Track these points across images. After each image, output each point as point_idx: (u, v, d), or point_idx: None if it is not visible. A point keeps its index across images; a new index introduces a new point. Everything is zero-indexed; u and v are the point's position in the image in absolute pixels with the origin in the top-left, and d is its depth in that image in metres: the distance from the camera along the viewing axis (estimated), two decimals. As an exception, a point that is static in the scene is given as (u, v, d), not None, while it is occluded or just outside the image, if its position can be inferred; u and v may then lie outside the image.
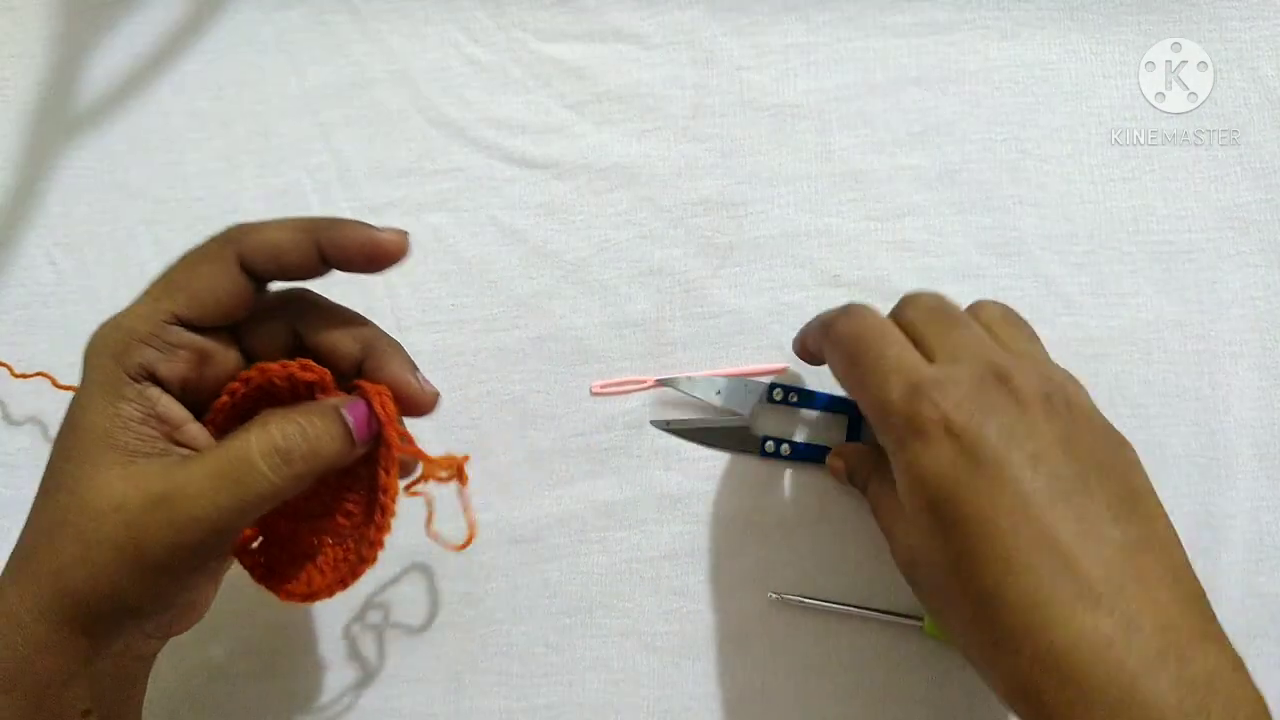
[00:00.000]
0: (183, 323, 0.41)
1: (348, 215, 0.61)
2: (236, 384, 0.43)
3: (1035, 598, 0.39)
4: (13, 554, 0.41)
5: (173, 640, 0.47)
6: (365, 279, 0.61)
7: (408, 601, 0.58)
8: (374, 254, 0.43)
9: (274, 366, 0.43)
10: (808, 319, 0.59)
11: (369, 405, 0.43)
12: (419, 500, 0.48)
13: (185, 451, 0.42)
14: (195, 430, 0.43)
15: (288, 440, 0.40)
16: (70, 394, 0.41)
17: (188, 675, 0.58)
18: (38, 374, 0.59)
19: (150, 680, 0.48)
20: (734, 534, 0.58)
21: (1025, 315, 0.58)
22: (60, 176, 0.63)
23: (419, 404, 0.45)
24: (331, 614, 0.58)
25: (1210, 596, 0.55)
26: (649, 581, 0.57)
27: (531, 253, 0.61)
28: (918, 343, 0.46)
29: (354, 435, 0.42)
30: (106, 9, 0.64)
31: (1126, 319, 0.58)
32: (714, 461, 0.59)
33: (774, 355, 0.59)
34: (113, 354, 0.41)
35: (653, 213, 0.61)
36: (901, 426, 0.43)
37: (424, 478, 0.46)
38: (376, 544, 0.44)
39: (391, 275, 0.61)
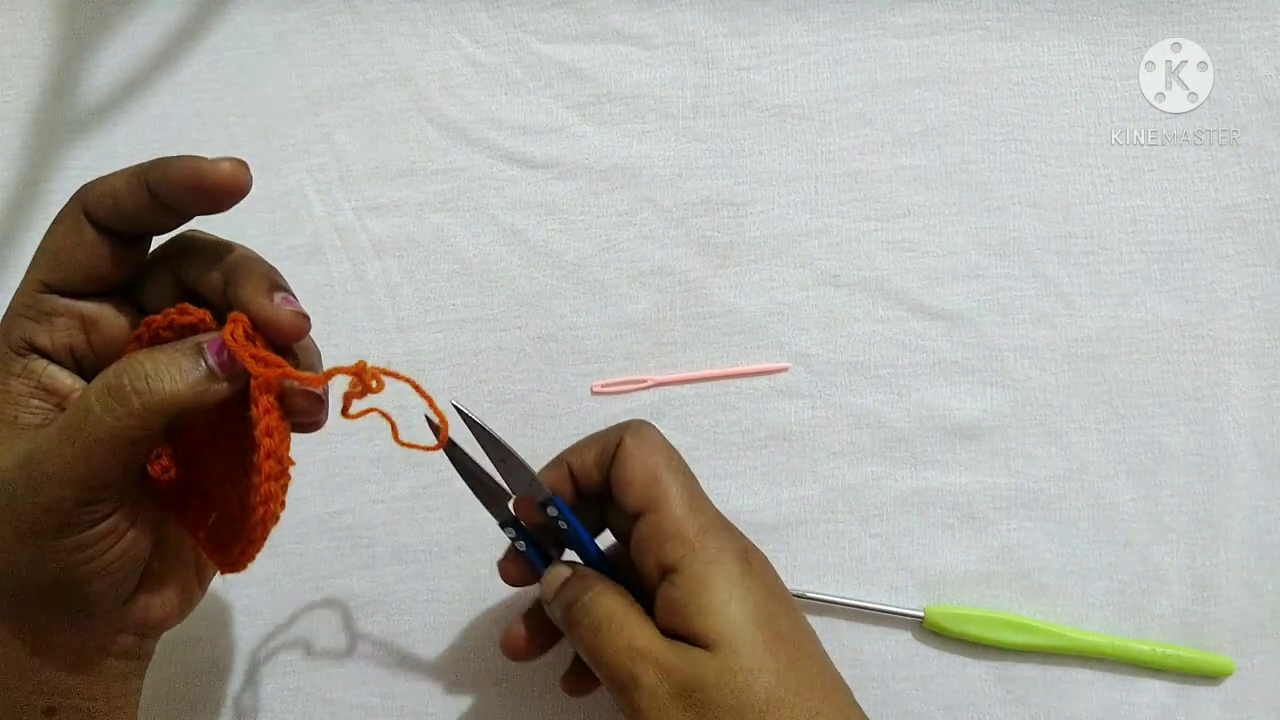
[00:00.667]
0: (55, 290, 0.40)
1: (348, 215, 0.61)
2: (130, 344, 0.41)
3: None
4: None
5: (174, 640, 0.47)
6: (365, 275, 0.61)
7: (408, 599, 0.58)
8: (202, 186, 0.39)
9: (156, 318, 0.40)
10: (807, 319, 0.59)
11: (219, 342, 0.39)
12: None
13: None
14: None
15: (122, 378, 0.37)
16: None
17: (192, 674, 0.58)
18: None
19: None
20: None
21: (1025, 315, 0.59)
22: (62, 176, 0.63)
23: (276, 327, 0.39)
24: (334, 612, 0.58)
25: (1208, 594, 0.56)
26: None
27: (532, 253, 0.61)
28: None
29: (213, 368, 0.38)
30: (108, 10, 0.64)
31: (1126, 319, 0.58)
32: (712, 461, 0.59)
33: (774, 355, 0.59)
34: (1, 334, 0.40)
35: (653, 213, 0.61)
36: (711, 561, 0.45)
37: (348, 397, 0.41)
38: (264, 494, 0.39)
39: (393, 275, 0.61)
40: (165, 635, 0.58)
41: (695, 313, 0.60)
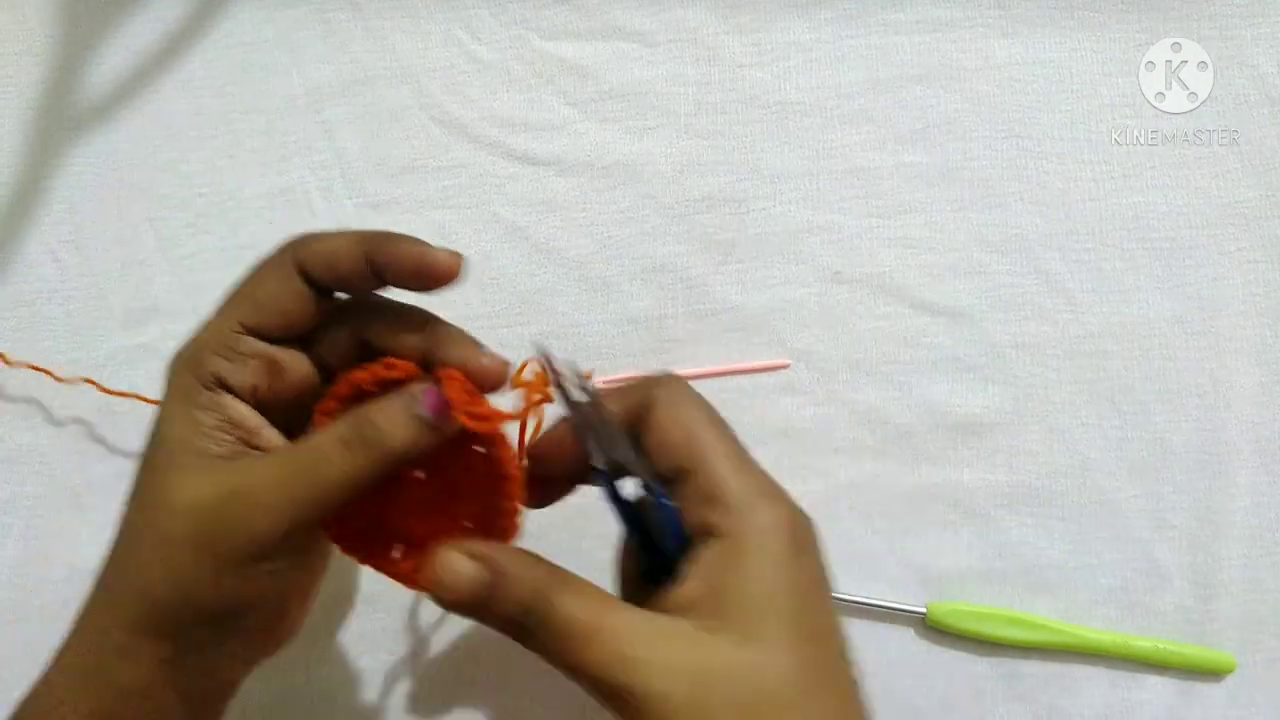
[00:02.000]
0: (251, 331, 0.42)
1: (349, 211, 0.61)
2: (330, 402, 0.43)
3: None
4: (102, 567, 0.42)
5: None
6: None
7: (410, 595, 0.58)
8: (422, 272, 0.41)
9: (361, 375, 0.42)
10: (809, 315, 0.59)
11: (436, 394, 0.41)
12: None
13: (262, 454, 0.42)
14: (271, 435, 0.43)
15: (355, 429, 0.40)
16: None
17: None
18: (132, 395, 0.60)
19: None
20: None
21: (1027, 312, 0.59)
22: (64, 173, 0.63)
23: (487, 377, 0.42)
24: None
25: (1210, 590, 0.56)
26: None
27: (534, 250, 0.61)
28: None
29: (427, 418, 0.40)
30: (110, 7, 0.64)
31: (1127, 315, 0.58)
32: (716, 458, 0.59)
33: (776, 352, 0.59)
34: (188, 365, 0.42)
35: (655, 210, 0.61)
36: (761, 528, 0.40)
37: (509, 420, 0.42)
38: (512, 526, 0.43)
39: (394, 272, 0.61)
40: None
41: (697, 310, 0.60)
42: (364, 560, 0.45)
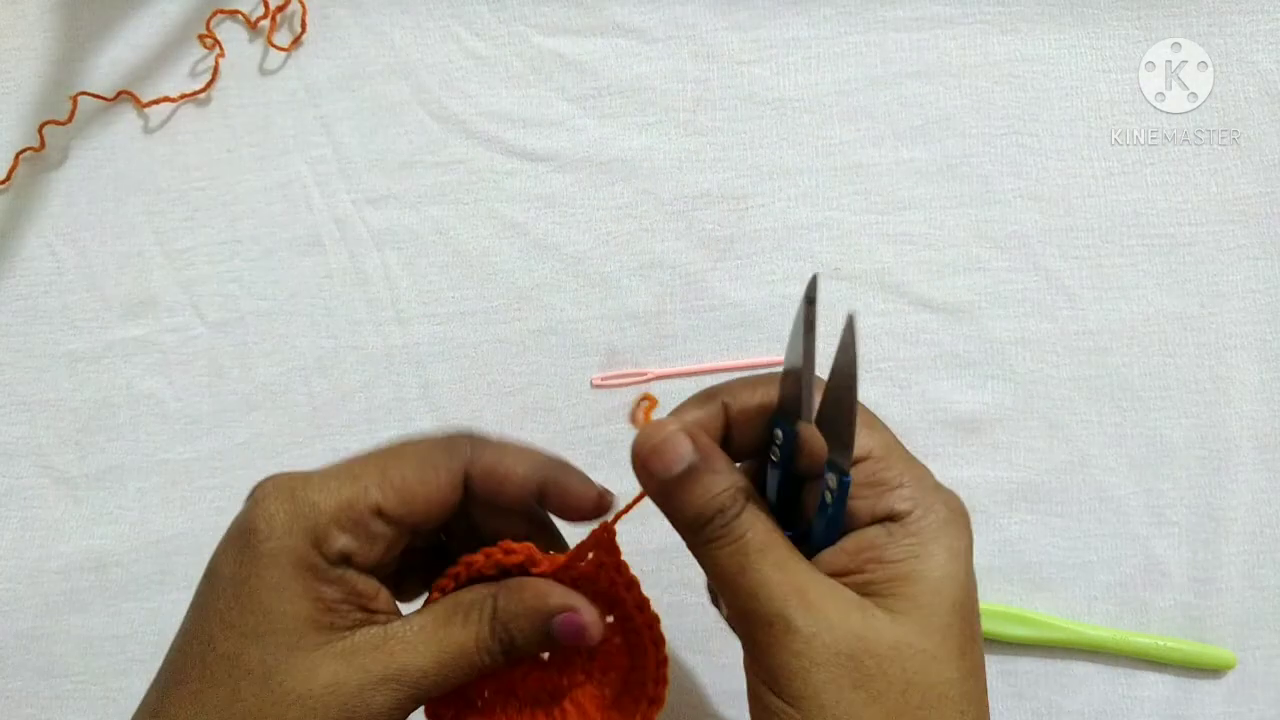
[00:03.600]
0: (388, 519, 0.39)
1: (348, 207, 0.61)
2: (447, 582, 0.42)
3: None
4: None
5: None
6: (364, 268, 0.61)
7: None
8: (584, 513, 0.42)
9: (476, 558, 0.41)
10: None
11: (577, 621, 0.41)
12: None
13: (381, 620, 0.40)
14: (385, 598, 0.40)
15: (496, 636, 0.40)
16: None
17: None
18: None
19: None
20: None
21: (1026, 308, 0.59)
22: (61, 168, 0.63)
23: (593, 509, 0.42)
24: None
25: (1210, 587, 0.56)
26: (650, 574, 0.56)
27: (532, 245, 0.61)
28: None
29: (555, 635, 0.40)
30: (109, 3, 0.64)
31: (1127, 312, 0.58)
32: (714, 455, 0.58)
33: (774, 348, 0.59)
34: (308, 534, 0.38)
35: (653, 206, 0.61)
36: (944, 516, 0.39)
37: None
38: (659, 686, 0.43)
39: (392, 267, 0.61)
40: (163, 630, 0.58)
41: (695, 306, 0.60)
42: None
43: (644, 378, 0.59)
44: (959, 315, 0.59)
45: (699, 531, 0.38)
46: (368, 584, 0.39)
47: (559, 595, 0.41)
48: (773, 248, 0.60)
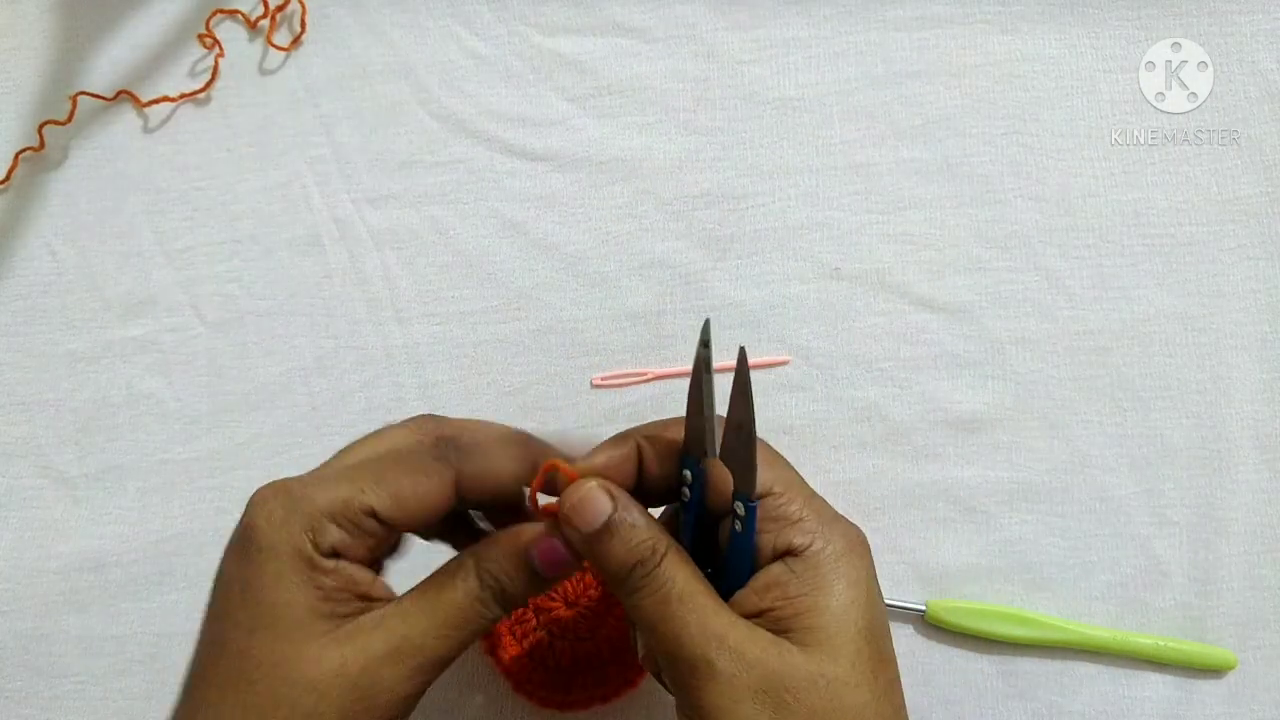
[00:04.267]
0: (379, 519, 0.40)
1: (348, 207, 0.61)
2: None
3: None
4: None
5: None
6: (364, 267, 0.61)
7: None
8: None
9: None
10: (808, 311, 0.59)
11: (553, 544, 0.41)
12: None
13: (380, 605, 0.40)
14: (381, 585, 0.41)
15: (482, 585, 0.40)
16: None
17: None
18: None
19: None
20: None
21: (1026, 308, 0.59)
22: (60, 167, 0.63)
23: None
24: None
25: (1210, 587, 0.56)
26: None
27: (532, 245, 0.61)
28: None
29: (540, 572, 0.41)
30: (108, 3, 0.64)
31: (1128, 312, 0.58)
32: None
33: (774, 348, 0.59)
34: (305, 529, 0.39)
35: (653, 206, 0.61)
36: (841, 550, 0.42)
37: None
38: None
39: (392, 267, 0.61)
40: (162, 630, 0.58)
41: (695, 305, 0.60)
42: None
43: (644, 377, 0.59)
44: (959, 315, 0.59)
45: (623, 582, 0.40)
46: (363, 574, 0.40)
47: (531, 530, 0.41)
48: (773, 248, 0.60)
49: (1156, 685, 0.55)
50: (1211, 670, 0.55)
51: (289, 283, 0.61)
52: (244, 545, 0.40)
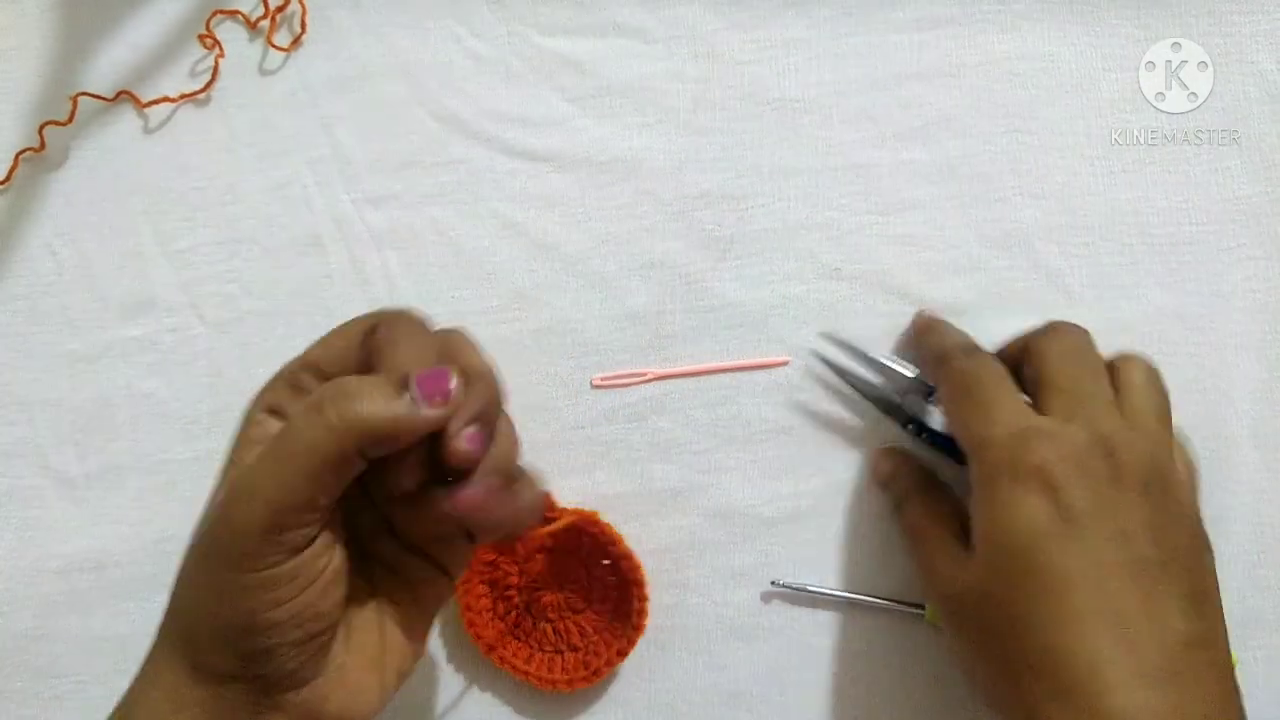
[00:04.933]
0: (315, 373, 0.43)
1: (348, 207, 0.61)
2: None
3: (1097, 662, 0.41)
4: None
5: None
6: (364, 268, 0.61)
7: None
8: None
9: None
10: (808, 312, 0.59)
11: (442, 371, 0.40)
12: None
13: None
14: None
15: (323, 394, 0.39)
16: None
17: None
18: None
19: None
20: (733, 526, 0.58)
21: (1026, 308, 0.59)
22: (60, 167, 0.63)
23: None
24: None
25: (1211, 587, 0.56)
26: (649, 574, 0.57)
27: (532, 245, 0.61)
28: (1043, 384, 0.48)
29: (417, 399, 0.39)
30: (108, 3, 0.64)
31: (1127, 311, 0.58)
32: (712, 455, 0.58)
33: (774, 348, 0.59)
34: (256, 398, 0.44)
35: (653, 206, 0.61)
36: (1000, 465, 0.45)
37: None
38: (641, 616, 0.56)
39: (392, 267, 0.61)
40: (162, 629, 0.58)
41: (695, 306, 0.60)
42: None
43: (644, 378, 0.59)
44: (959, 316, 0.59)
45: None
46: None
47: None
48: (773, 248, 0.60)
49: None
50: (1211, 670, 0.55)
51: (289, 283, 0.61)
52: None
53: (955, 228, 0.60)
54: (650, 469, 0.59)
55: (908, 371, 0.56)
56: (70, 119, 0.62)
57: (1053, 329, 0.51)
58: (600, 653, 0.55)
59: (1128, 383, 0.49)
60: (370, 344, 0.43)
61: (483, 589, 0.56)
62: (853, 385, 0.58)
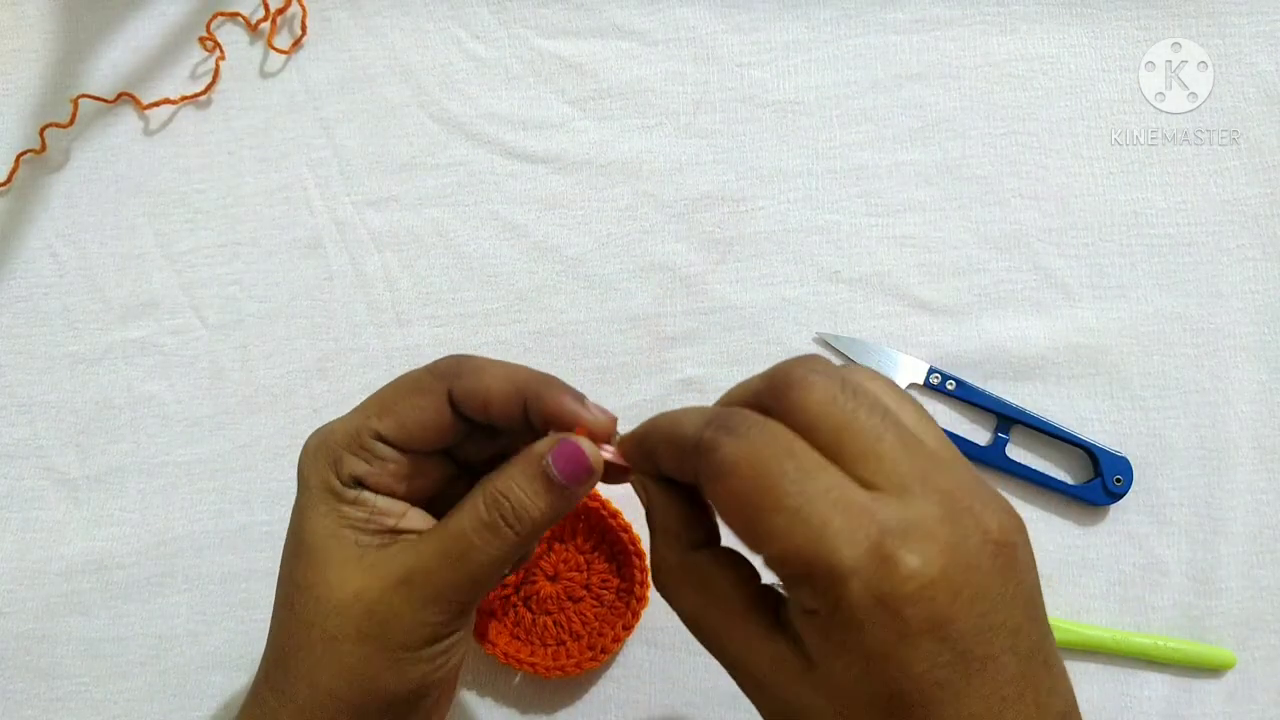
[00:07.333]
0: (388, 443, 0.42)
1: (349, 209, 0.61)
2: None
3: None
4: (265, 665, 0.43)
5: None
6: (365, 270, 0.61)
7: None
8: (574, 428, 0.41)
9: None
10: (808, 314, 0.59)
11: (571, 445, 0.40)
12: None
13: (412, 537, 0.42)
14: (416, 517, 0.43)
15: (494, 509, 0.40)
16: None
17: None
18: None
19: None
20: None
21: (1026, 309, 0.59)
22: (61, 169, 0.63)
23: (599, 431, 0.41)
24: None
25: (1210, 587, 0.56)
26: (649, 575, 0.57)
27: (532, 247, 0.61)
28: (835, 452, 0.33)
29: (559, 480, 0.40)
30: (110, 5, 0.64)
31: (1126, 312, 0.58)
32: (714, 456, 0.58)
33: (774, 350, 0.59)
34: (328, 462, 0.42)
35: (653, 208, 0.61)
36: (866, 608, 0.31)
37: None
38: (643, 588, 0.55)
39: (393, 269, 0.61)
40: (163, 632, 0.59)
41: (695, 308, 0.60)
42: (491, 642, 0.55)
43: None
44: (959, 317, 0.59)
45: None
46: (391, 505, 0.42)
47: (544, 442, 0.41)
48: (773, 250, 0.60)
49: (1155, 685, 0.55)
50: (1211, 670, 0.55)
51: (290, 285, 0.61)
52: (297, 484, 0.42)
53: (955, 229, 0.60)
54: (650, 470, 0.59)
55: (910, 374, 0.55)
56: (71, 121, 0.62)
57: (788, 377, 0.34)
58: (605, 633, 0.56)
59: (879, 397, 0.35)
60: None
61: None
62: None
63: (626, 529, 0.56)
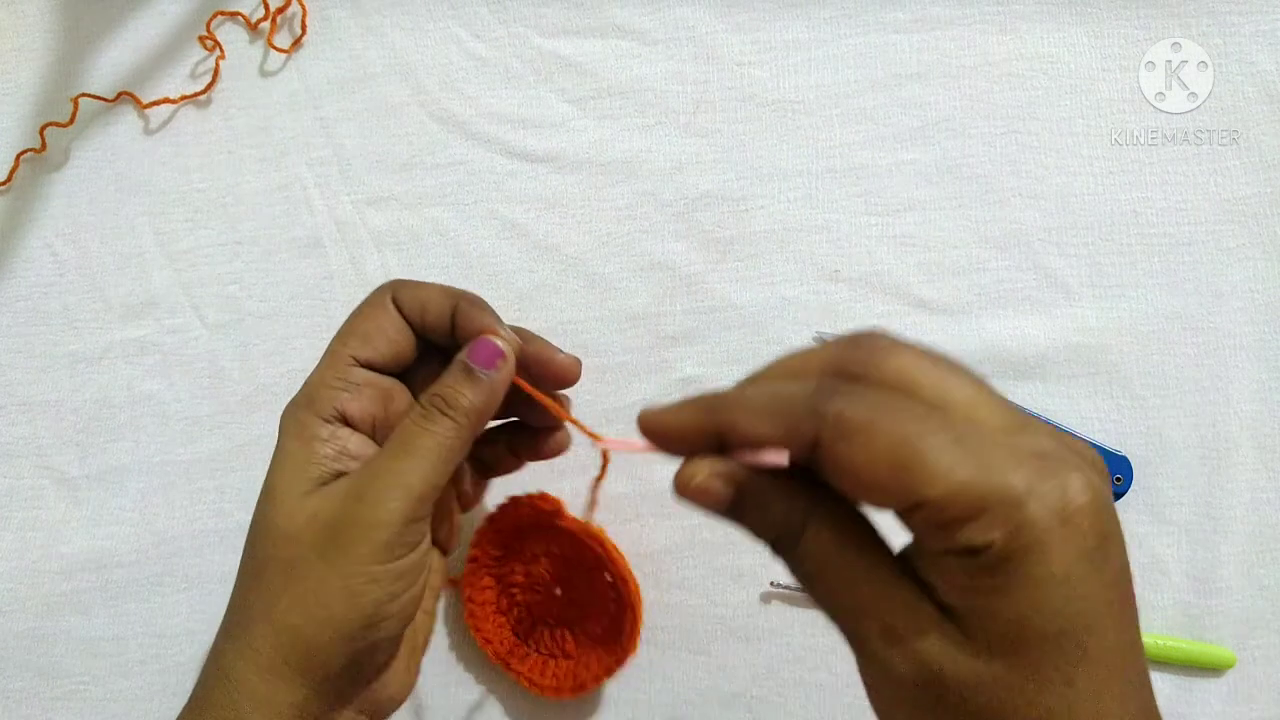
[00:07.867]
0: (364, 364, 0.45)
1: (349, 208, 0.61)
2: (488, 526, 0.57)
3: None
4: (225, 618, 0.43)
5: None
6: (365, 269, 0.61)
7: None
8: (477, 344, 0.45)
9: (522, 502, 0.56)
10: (807, 313, 0.59)
11: (483, 339, 0.45)
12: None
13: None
14: None
15: (428, 404, 0.43)
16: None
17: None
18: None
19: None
20: (733, 528, 0.58)
21: (1026, 308, 0.59)
22: (61, 169, 0.63)
23: (566, 373, 0.49)
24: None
25: (1210, 586, 0.56)
26: (649, 575, 0.57)
27: (532, 247, 0.61)
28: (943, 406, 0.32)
29: (476, 371, 0.43)
30: (110, 4, 0.64)
31: (1126, 311, 0.58)
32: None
33: (774, 349, 0.59)
34: (305, 405, 0.44)
35: (653, 207, 0.61)
36: (1048, 525, 0.29)
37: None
38: (633, 636, 0.55)
39: (392, 268, 0.61)
40: (163, 631, 0.59)
41: (695, 307, 0.60)
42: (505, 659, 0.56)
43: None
44: (959, 316, 0.59)
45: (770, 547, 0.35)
46: (362, 444, 0.44)
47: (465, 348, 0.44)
48: (773, 250, 0.60)
49: (1155, 684, 0.54)
50: (1211, 669, 0.55)
51: (290, 284, 0.61)
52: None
53: (954, 228, 0.60)
54: (651, 469, 0.58)
55: None
56: (71, 120, 0.62)
57: (873, 344, 0.33)
58: (589, 666, 0.55)
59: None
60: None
61: (489, 582, 0.56)
62: None
63: (625, 580, 0.54)
